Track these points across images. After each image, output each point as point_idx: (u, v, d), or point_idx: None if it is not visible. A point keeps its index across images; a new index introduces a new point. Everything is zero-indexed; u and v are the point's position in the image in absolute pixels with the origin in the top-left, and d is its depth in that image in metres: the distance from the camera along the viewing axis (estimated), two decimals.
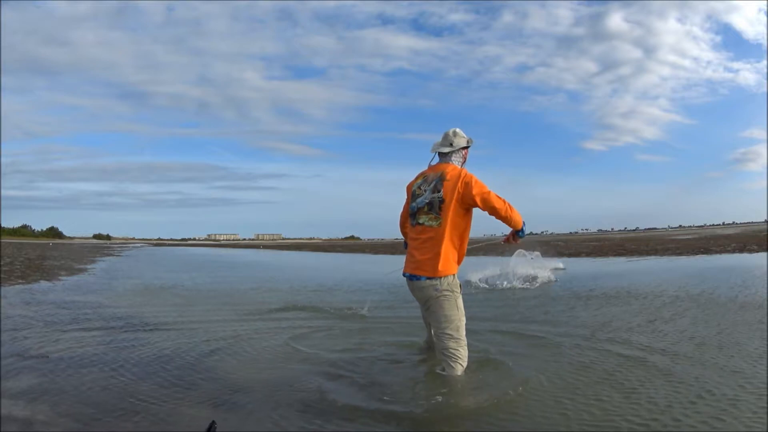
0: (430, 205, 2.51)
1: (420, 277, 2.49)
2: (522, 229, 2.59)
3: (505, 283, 6.82)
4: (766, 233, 20.58)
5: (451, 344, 2.46)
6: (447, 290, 2.46)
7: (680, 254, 13.27)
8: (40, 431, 1.86)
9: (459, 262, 2.56)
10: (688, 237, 27.49)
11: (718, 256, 12.11)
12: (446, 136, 2.68)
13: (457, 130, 2.68)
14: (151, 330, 3.87)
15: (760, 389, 2.20)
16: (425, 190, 2.56)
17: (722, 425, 1.85)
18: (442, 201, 2.48)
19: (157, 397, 2.25)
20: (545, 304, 5.06)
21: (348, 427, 1.95)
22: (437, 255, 2.46)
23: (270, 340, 3.51)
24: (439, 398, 2.20)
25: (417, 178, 2.67)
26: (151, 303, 5.61)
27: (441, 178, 2.52)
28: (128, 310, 4.92)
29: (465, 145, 2.68)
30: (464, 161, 2.70)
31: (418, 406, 2.14)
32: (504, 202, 2.48)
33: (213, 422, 1.70)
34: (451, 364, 2.43)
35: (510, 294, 5.98)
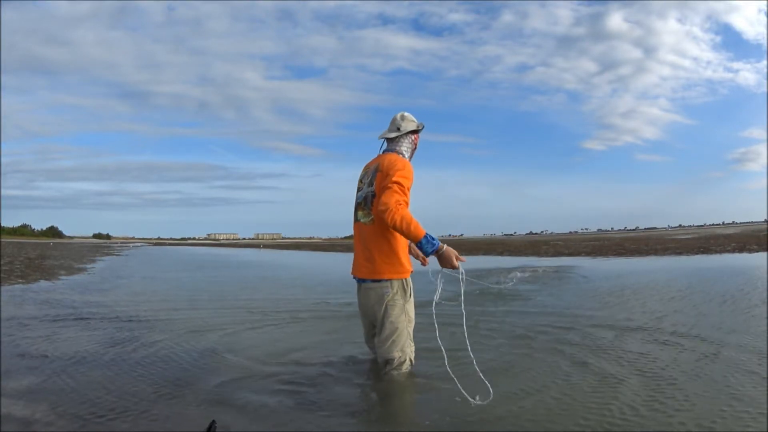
0: (365, 200, 2.36)
1: (365, 279, 2.35)
2: (422, 242, 2.16)
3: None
4: (766, 233, 20.57)
5: (396, 354, 2.31)
6: (396, 296, 2.30)
7: (680, 254, 13.27)
8: (40, 431, 1.85)
9: (408, 260, 2.37)
10: (688, 237, 27.49)
11: (718, 256, 12.12)
12: (393, 120, 2.48)
13: (406, 113, 2.48)
14: (150, 329, 3.87)
15: None
16: (365, 184, 2.40)
17: None
18: (374, 195, 2.30)
19: (157, 395, 2.24)
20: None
21: (350, 427, 1.95)
22: (376, 255, 2.30)
23: (269, 338, 3.51)
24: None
25: (362, 171, 2.50)
26: (149, 302, 5.60)
27: (377, 170, 2.33)
28: (127, 309, 4.91)
29: (414, 129, 2.47)
30: (414, 147, 2.50)
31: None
32: (397, 206, 2.13)
33: (213, 422, 1.70)
34: (393, 372, 2.31)
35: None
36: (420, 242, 2.17)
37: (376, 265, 2.31)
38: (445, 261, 2.21)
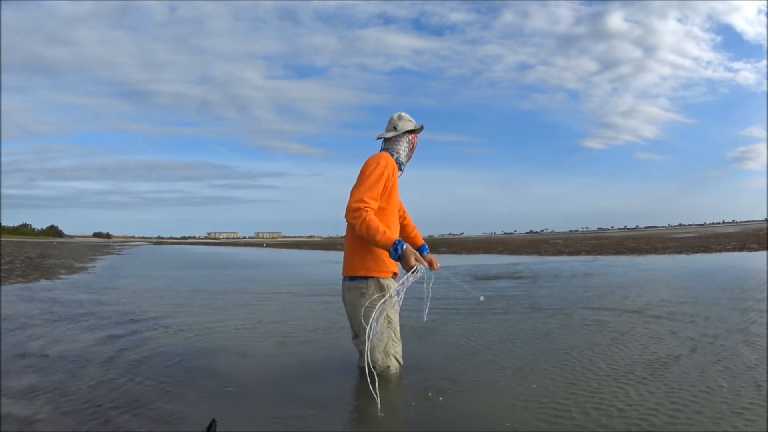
0: None
1: (344, 277, 2.36)
2: (390, 250, 2.15)
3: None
4: (766, 232, 20.55)
5: (378, 356, 2.28)
6: (374, 296, 2.25)
7: (681, 252, 13.27)
8: (40, 430, 1.85)
9: (389, 259, 2.27)
10: (688, 235, 27.46)
11: (718, 254, 12.11)
12: (390, 120, 2.46)
13: (403, 113, 2.47)
14: (149, 328, 3.87)
15: None
16: None
17: None
18: None
19: (157, 394, 2.24)
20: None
21: (351, 428, 1.94)
22: (352, 252, 2.31)
23: (269, 337, 3.51)
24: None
25: None
26: (149, 301, 5.61)
27: (360, 169, 2.33)
28: (127, 308, 4.91)
29: (411, 129, 2.45)
30: (412, 147, 2.48)
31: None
32: (362, 216, 2.13)
33: (213, 420, 1.70)
34: (379, 374, 2.23)
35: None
36: (388, 251, 2.15)
37: (352, 262, 2.32)
38: (404, 264, 2.17)
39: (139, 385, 2.39)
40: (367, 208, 2.18)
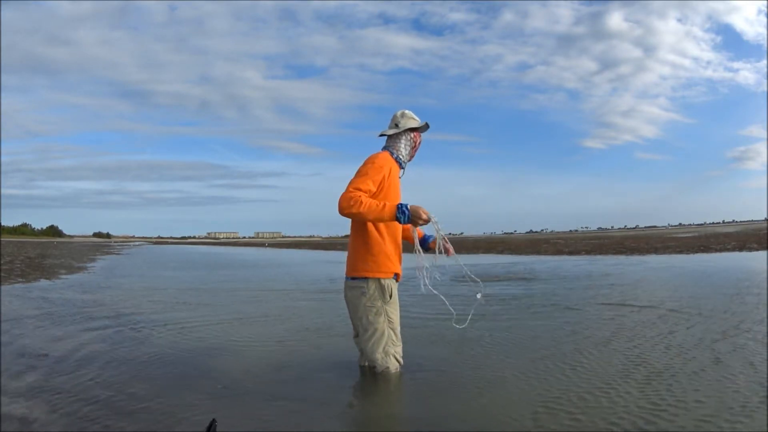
0: None
1: (347, 277, 2.36)
2: (396, 215, 2.15)
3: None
4: (766, 232, 20.55)
5: (378, 356, 2.31)
6: (374, 297, 2.27)
7: (680, 252, 13.27)
8: (39, 430, 1.85)
9: (391, 260, 2.31)
10: (688, 235, 27.46)
11: (717, 254, 12.11)
12: (393, 117, 2.44)
13: (407, 111, 2.44)
14: (149, 328, 3.87)
15: None
16: None
17: None
18: None
19: (156, 394, 2.24)
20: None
21: (336, 427, 1.94)
22: (353, 252, 2.33)
23: (268, 337, 3.51)
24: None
25: None
26: (148, 301, 5.61)
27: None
28: (126, 308, 4.92)
29: (415, 127, 2.41)
30: (415, 146, 2.45)
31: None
32: (358, 200, 2.12)
33: (213, 420, 1.69)
34: (379, 373, 2.31)
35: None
36: (395, 217, 2.15)
37: (353, 262, 2.33)
38: (415, 221, 2.19)
39: (137, 384, 2.39)
40: (359, 192, 2.16)
